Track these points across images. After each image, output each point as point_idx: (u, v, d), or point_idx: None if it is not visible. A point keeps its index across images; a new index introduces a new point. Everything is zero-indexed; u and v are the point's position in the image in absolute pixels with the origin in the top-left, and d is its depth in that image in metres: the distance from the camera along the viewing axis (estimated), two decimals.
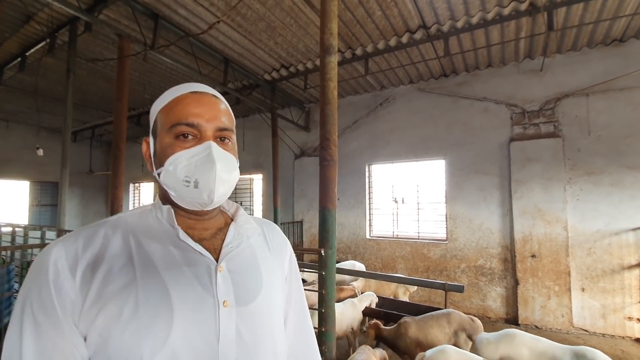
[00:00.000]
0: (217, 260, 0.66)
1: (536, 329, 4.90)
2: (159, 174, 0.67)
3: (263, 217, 8.10)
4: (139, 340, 0.55)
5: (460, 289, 3.79)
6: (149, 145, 0.71)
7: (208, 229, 0.71)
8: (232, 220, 0.77)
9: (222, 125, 0.67)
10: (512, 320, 5.18)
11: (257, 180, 8.73)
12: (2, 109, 7.75)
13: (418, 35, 4.54)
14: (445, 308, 3.83)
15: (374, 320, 3.31)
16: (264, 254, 0.76)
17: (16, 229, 5.70)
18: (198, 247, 0.65)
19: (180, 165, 0.63)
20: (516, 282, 5.11)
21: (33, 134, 8.79)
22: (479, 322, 3.11)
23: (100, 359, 0.56)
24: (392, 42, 4.73)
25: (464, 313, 5.36)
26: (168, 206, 0.67)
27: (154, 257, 0.62)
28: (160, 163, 0.66)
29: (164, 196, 0.70)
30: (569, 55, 4.99)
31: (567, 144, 4.93)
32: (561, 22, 4.18)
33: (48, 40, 4.52)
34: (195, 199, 0.65)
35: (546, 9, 3.81)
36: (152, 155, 0.70)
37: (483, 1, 3.87)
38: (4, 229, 5.90)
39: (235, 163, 0.70)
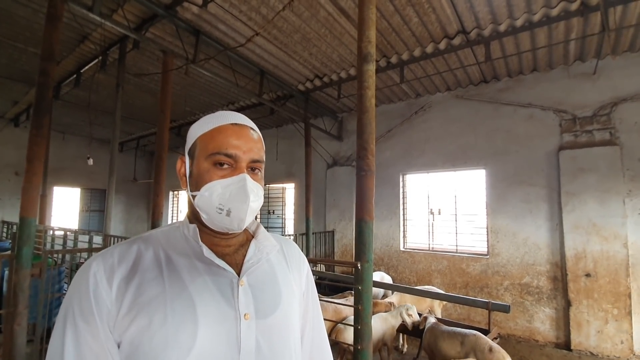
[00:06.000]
0: (238, 274, 0.70)
1: (592, 356, 4.46)
2: (193, 196, 0.70)
3: (295, 226, 8.18)
4: (166, 349, 0.58)
5: (505, 309, 3.51)
6: (184, 164, 0.74)
7: (231, 245, 0.75)
8: (253, 236, 0.80)
9: (256, 157, 0.71)
10: (564, 345, 4.74)
11: (289, 190, 8.79)
12: (59, 122, 8.46)
13: (457, 41, 4.38)
14: (489, 328, 3.60)
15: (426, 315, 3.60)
16: (282, 269, 0.79)
17: (67, 233, 6.10)
18: (221, 263, 0.68)
19: (215, 193, 0.67)
20: (568, 304, 4.68)
21: (85, 144, 9.47)
22: (501, 354, 2.70)
23: None
24: (429, 48, 4.61)
25: (508, 335, 5.07)
26: (194, 225, 0.71)
27: (181, 271, 0.66)
28: (196, 186, 0.70)
29: (192, 214, 0.74)
30: (626, 57, 4.61)
31: (626, 152, 4.51)
32: (617, 21, 3.87)
33: (100, 57, 4.88)
34: (225, 225, 0.69)
35: (601, 8, 3.53)
36: (187, 175, 0.74)
37: (529, 3, 3.67)
38: (57, 233, 6.35)
39: (262, 192, 0.74)
